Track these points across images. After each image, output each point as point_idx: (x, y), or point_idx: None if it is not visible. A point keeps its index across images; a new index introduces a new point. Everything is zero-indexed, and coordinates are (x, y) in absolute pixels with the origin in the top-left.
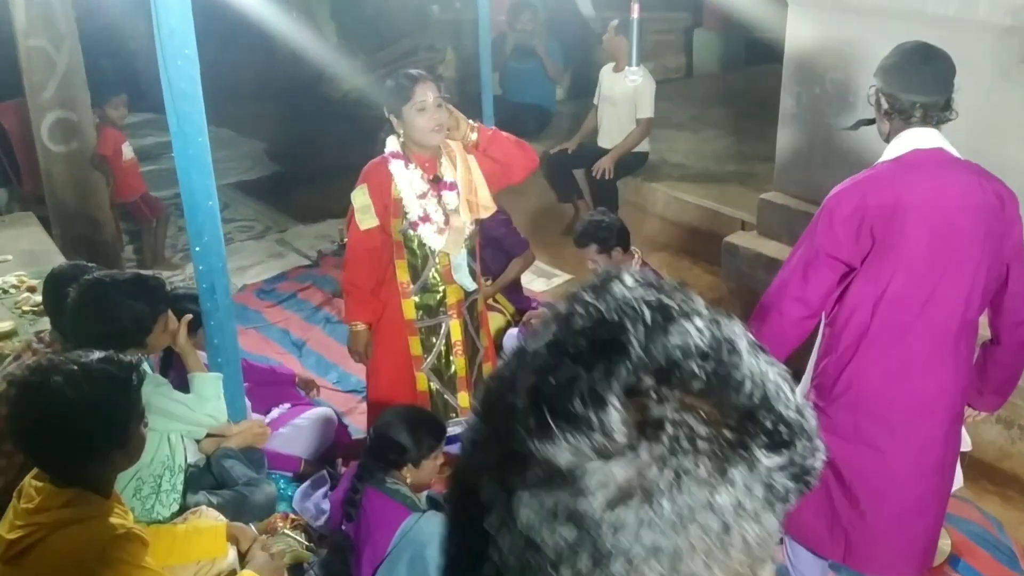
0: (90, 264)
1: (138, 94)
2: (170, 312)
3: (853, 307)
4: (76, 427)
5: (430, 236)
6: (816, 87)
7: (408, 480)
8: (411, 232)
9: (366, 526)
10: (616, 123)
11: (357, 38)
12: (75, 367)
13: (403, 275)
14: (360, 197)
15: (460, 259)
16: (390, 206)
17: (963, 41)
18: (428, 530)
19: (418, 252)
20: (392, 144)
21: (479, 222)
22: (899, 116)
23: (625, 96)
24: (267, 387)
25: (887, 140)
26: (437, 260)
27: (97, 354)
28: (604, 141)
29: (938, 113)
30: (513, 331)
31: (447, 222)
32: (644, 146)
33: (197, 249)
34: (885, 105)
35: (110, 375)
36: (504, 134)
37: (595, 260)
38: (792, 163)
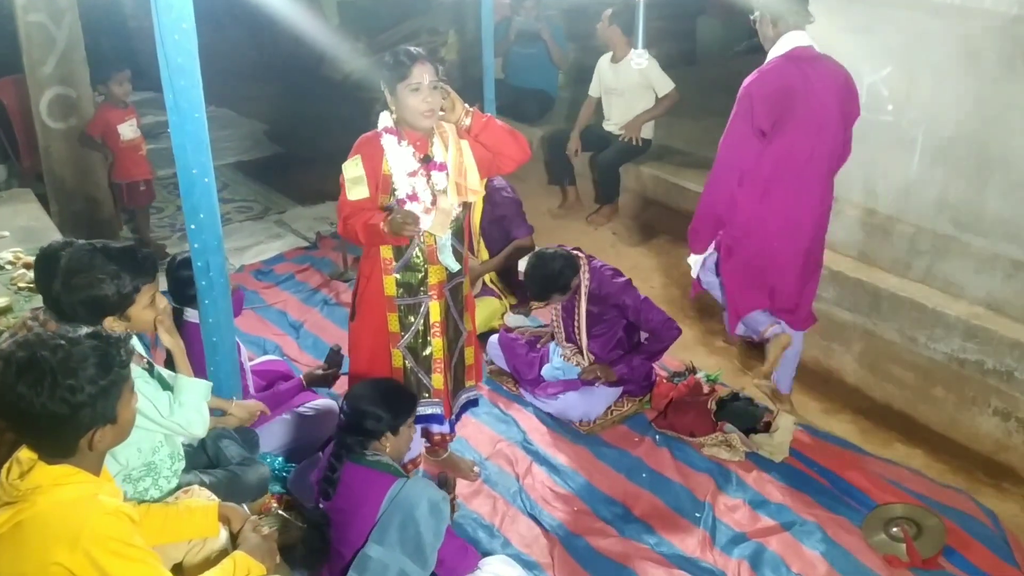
0: (82, 241)
1: (138, 72)
2: (158, 292)
3: (761, 164)
4: (64, 403)
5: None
6: None
7: (388, 449)
8: (396, 208)
9: (352, 500)
10: (628, 111)
11: (359, 20)
12: (63, 342)
13: (386, 252)
14: (352, 168)
15: (445, 240)
16: (379, 181)
17: (969, 31)
18: (415, 492)
19: None
20: (385, 119)
21: (467, 204)
22: (781, 23)
23: (631, 84)
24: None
25: (770, 47)
26: (422, 239)
27: (85, 330)
28: (612, 129)
29: (804, 18)
30: (494, 338)
31: (434, 202)
32: (648, 133)
33: (193, 227)
34: (769, 17)
35: (98, 351)
36: (499, 123)
37: (559, 301)
38: None
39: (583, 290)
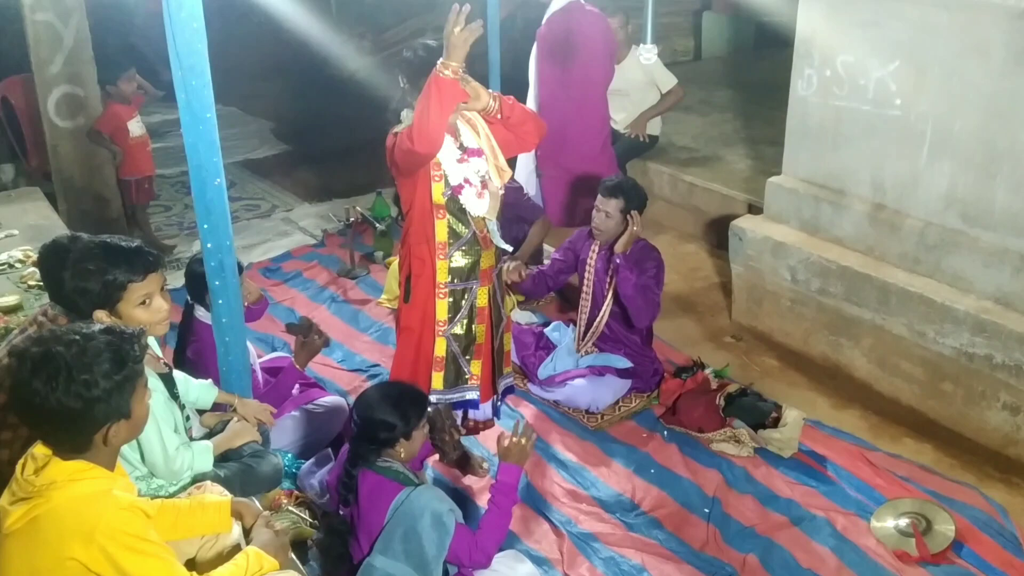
0: (84, 235)
1: (143, 72)
2: (158, 294)
3: (557, 90)
4: (79, 398)
5: (471, 201)
6: (827, 69)
7: (402, 454)
8: (452, 195)
9: (361, 506)
10: (634, 110)
11: (365, 18)
12: (77, 337)
13: (442, 235)
14: (407, 119)
15: (493, 224)
16: (429, 169)
17: (977, 25)
18: (419, 504)
19: (459, 216)
20: (409, 118)
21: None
22: None
23: (636, 84)
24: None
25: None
26: (475, 226)
27: (98, 325)
28: (618, 127)
29: None
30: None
31: (484, 186)
32: (655, 129)
33: (205, 227)
34: None
35: (112, 346)
36: (519, 104)
37: (610, 213)
38: (801, 146)
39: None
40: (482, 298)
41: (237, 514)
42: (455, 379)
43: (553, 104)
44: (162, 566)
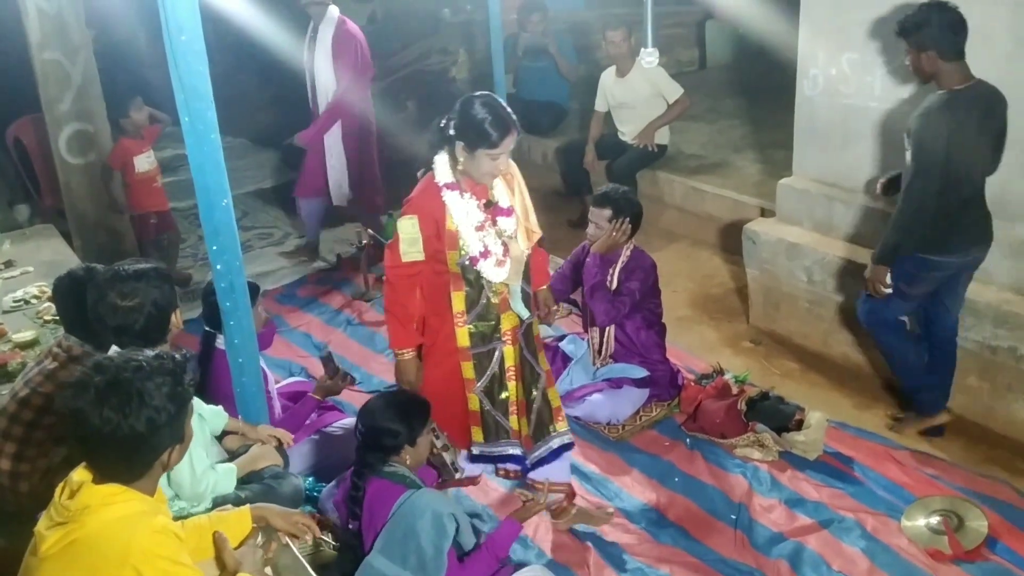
0: (98, 266)
1: (154, 107)
2: (175, 315)
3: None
4: (150, 423)
5: (490, 270)
6: (832, 68)
7: (408, 461)
8: (468, 264)
9: (369, 512)
10: (641, 122)
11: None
12: (141, 363)
13: (459, 305)
14: (409, 228)
15: (516, 287)
16: (445, 237)
17: (979, 10)
18: (419, 504)
19: (475, 283)
20: (444, 171)
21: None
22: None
23: (642, 96)
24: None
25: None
26: (493, 290)
27: (148, 352)
28: (626, 139)
29: None
30: None
31: (505, 252)
32: (664, 138)
33: (214, 248)
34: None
35: (168, 370)
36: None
37: (600, 225)
38: (810, 146)
39: (621, 260)
40: (510, 357)
41: (261, 519)
42: (495, 433)
43: (346, 95)
44: None
